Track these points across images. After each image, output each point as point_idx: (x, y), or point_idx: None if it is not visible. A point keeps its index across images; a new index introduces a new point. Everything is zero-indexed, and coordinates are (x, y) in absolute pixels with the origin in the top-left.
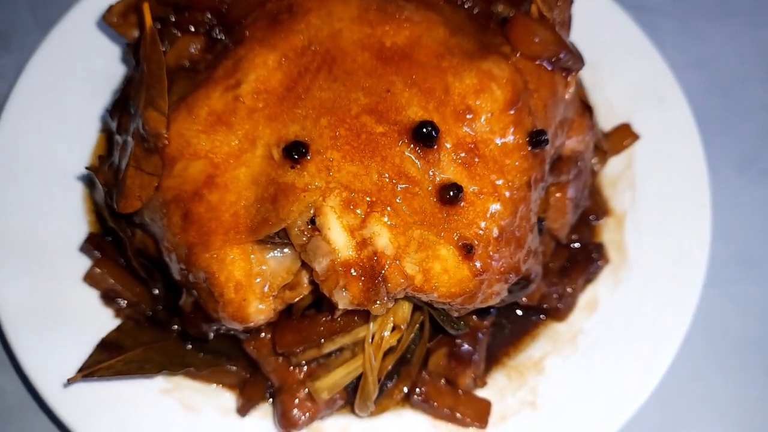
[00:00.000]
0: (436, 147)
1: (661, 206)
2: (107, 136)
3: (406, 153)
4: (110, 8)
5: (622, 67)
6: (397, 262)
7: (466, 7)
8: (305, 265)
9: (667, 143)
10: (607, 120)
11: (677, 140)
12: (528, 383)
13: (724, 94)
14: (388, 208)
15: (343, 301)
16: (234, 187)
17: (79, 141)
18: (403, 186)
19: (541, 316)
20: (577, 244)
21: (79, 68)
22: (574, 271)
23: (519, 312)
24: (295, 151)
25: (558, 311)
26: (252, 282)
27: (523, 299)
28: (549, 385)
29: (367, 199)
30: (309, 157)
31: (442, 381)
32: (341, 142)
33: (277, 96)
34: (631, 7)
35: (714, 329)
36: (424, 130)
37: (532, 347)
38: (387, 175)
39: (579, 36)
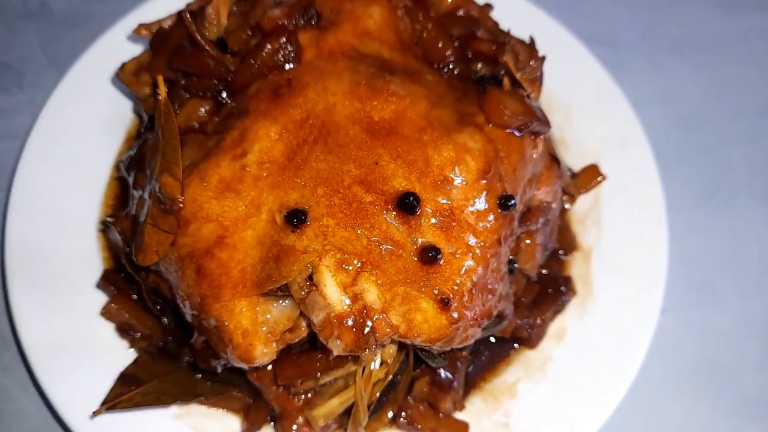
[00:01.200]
0: (417, 213)
1: (624, 243)
2: (121, 182)
3: (392, 220)
4: (123, 67)
5: (592, 111)
6: (384, 314)
7: (446, 70)
8: (303, 313)
9: (631, 184)
10: (577, 159)
11: (640, 182)
12: (502, 406)
13: (686, 128)
14: (376, 269)
15: (337, 348)
16: (241, 247)
17: (92, 181)
18: (389, 248)
19: (515, 344)
20: (546, 275)
21: (91, 111)
22: (544, 303)
23: (493, 340)
24: (296, 218)
25: (530, 340)
26: (258, 329)
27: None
28: (521, 408)
29: (358, 260)
30: (308, 223)
31: (425, 405)
32: (335, 210)
33: (279, 165)
34: (603, 45)
35: (671, 351)
36: (407, 200)
37: (507, 372)
38: (375, 239)
39: (554, 80)
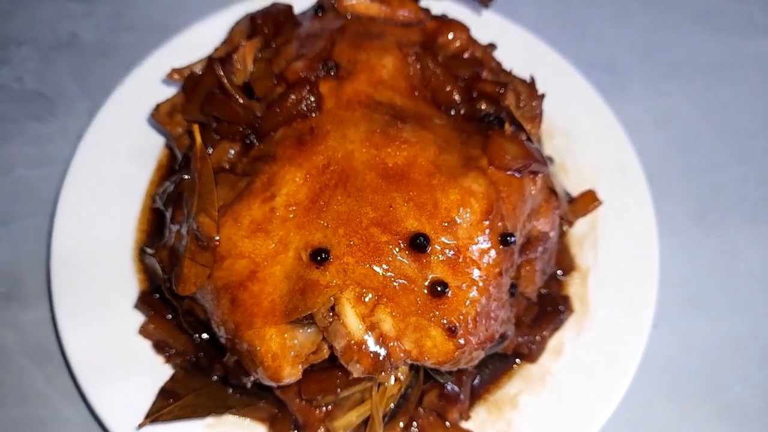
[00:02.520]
0: (428, 252)
1: (618, 264)
2: (154, 212)
3: (404, 258)
4: (158, 108)
5: (590, 138)
6: (398, 341)
7: (453, 111)
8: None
9: (625, 208)
10: (576, 183)
11: (634, 206)
12: (504, 416)
13: (681, 150)
14: (391, 301)
15: (356, 371)
16: (271, 281)
17: (127, 207)
18: (402, 283)
19: (517, 359)
20: (545, 295)
21: (125, 143)
22: (544, 321)
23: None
24: (319, 256)
25: (530, 355)
26: (286, 353)
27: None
28: (522, 418)
29: (375, 294)
30: (330, 261)
31: (434, 415)
32: (355, 249)
33: (304, 207)
34: (603, 70)
35: (662, 363)
36: (418, 240)
37: (509, 385)
38: (390, 274)
39: (556, 108)
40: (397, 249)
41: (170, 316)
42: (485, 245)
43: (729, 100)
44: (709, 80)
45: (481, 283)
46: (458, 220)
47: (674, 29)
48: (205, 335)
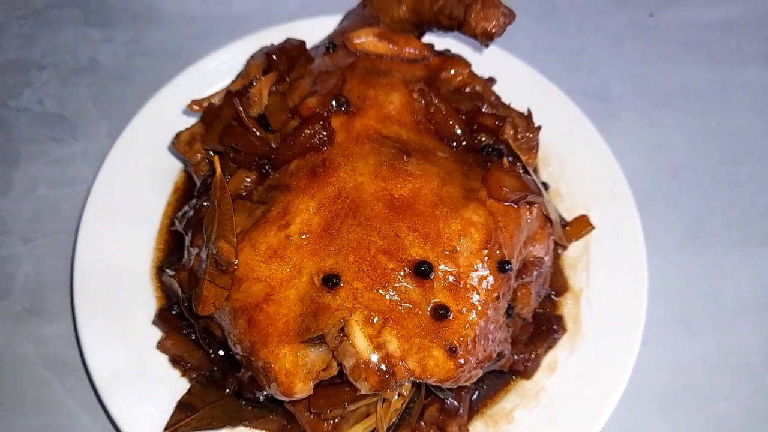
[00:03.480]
0: (431, 278)
1: (610, 286)
2: (173, 234)
3: (409, 284)
4: (178, 136)
5: (583, 165)
6: (403, 361)
7: (455, 144)
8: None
9: (616, 233)
10: (570, 209)
11: (624, 231)
12: (500, 430)
13: (671, 176)
14: (397, 324)
15: (364, 388)
16: (286, 303)
17: (146, 227)
18: (407, 306)
19: (513, 376)
20: (540, 315)
21: (144, 165)
22: (539, 340)
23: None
24: (331, 282)
25: (525, 372)
26: (299, 370)
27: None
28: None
29: (381, 317)
30: (341, 285)
31: (435, 429)
32: (363, 275)
33: (317, 235)
34: (597, 98)
35: (651, 380)
36: (422, 268)
37: (505, 400)
38: (396, 299)
39: (552, 137)
40: (402, 275)
41: (186, 332)
42: (484, 272)
43: (717, 128)
44: (698, 109)
45: (480, 307)
46: (459, 249)
47: (666, 59)
48: (220, 351)
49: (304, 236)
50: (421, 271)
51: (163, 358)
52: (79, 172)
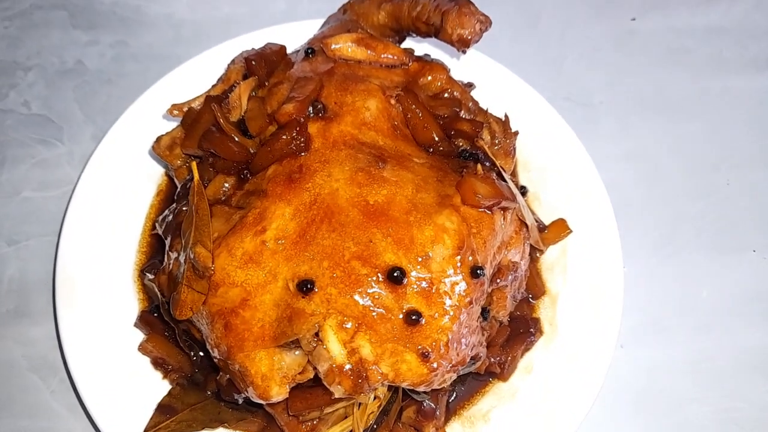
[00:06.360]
0: (404, 284)
1: (586, 289)
2: (154, 237)
3: (382, 289)
4: (158, 140)
5: (562, 171)
6: (376, 365)
7: (431, 150)
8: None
9: (593, 237)
10: (548, 213)
11: (601, 236)
12: (478, 431)
13: (646, 184)
14: (370, 329)
15: (338, 392)
16: (261, 308)
17: (128, 230)
18: (381, 312)
19: (489, 378)
20: (517, 317)
21: (128, 169)
22: (515, 343)
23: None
24: (305, 287)
25: (502, 374)
26: (274, 374)
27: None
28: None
29: (355, 322)
30: (315, 291)
31: (412, 430)
32: (337, 280)
33: (292, 241)
34: (578, 104)
35: (626, 382)
36: (395, 273)
37: (482, 402)
38: (369, 304)
39: (532, 142)
40: (375, 281)
41: (168, 335)
42: (456, 278)
43: (692, 134)
44: (677, 115)
45: (452, 312)
46: (432, 255)
47: (646, 66)
48: (201, 353)
49: (279, 242)
50: (394, 277)
51: (146, 361)
52: (64, 175)
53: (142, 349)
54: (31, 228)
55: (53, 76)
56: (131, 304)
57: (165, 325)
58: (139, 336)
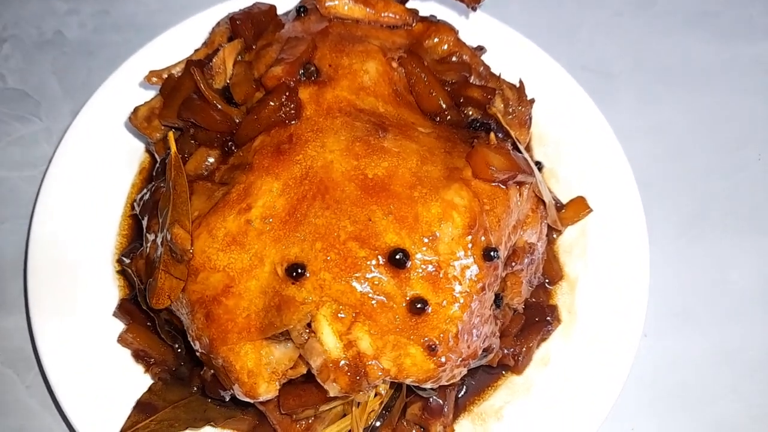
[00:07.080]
0: (407, 267)
1: (608, 273)
2: (135, 219)
3: (383, 274)
4: (135, 111)
5: (581, 145)
6: (376, 360)
7: (438, 119)
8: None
9: (616, 217)
10: (566, 191)
11: (624, 215)
12: (489, 429)
13: (670, 160)
14: (369, 319)
15: (333, 390)
16: (246, 296)
17: (108, 212)
18: (381, 299)
19: (502, 371)
20: (533, 304)
21: (107, 144)
22: (531, 333)
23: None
24: (295, 272)
25: (516, 366)
26: (262, 369)
27: None
28: (507, 430)
29: (352, 311)
30: (307, 276)
31: (417, 428)
32: (332, 264)
33: (281, 220)
34: (596, 74)
35: (652, 375)
36: (397, 256)
37: (494, 397)
38: (368, 291)
39: (548, 114)
40: (375, 264)
41: (150, 325)
42: (467, 261)
43: (723, 105)
44: (702, 86)
45: (462, 300)
46: (439, 235)
47: (669, 33)
48: (186, 345)
49: (266, 221)
50: (396, 259)
51: (126, 353)
52: (42, 153)
53: (122, 340)
54: (6, 210)
55: (30, 48)
56: (111, 291)
57: (147, 314)
58: (119, 326)
